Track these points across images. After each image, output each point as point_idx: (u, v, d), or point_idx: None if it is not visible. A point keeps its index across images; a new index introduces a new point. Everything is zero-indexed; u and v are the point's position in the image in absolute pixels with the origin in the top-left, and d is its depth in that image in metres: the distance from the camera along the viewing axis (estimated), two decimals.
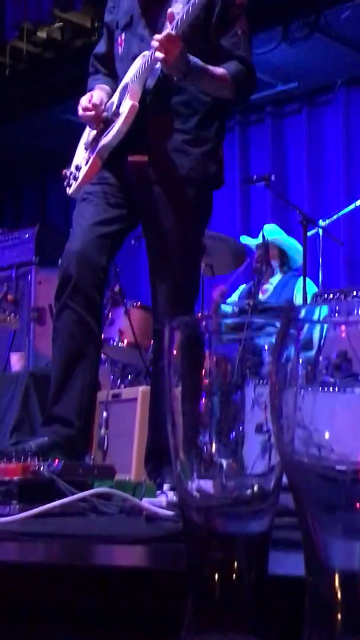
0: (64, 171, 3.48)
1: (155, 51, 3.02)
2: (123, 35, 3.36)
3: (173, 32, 3.00)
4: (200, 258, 3.39)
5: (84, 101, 3.33)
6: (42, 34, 7.67)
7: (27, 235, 6.80)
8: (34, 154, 9.06)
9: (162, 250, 3.20)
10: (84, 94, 3.46)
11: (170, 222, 3.17)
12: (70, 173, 3.43)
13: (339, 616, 0.61)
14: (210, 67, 3.14)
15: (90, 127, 3.39)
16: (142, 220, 3.32)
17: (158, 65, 3.11)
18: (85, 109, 3.31)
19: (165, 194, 3.18)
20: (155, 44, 3.00)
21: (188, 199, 3.19)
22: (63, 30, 7.64)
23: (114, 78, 3.41)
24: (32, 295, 6.48)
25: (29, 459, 2.34)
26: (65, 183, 3.46)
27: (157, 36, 3.01)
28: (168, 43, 2.99)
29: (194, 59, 3.07)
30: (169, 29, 3.01)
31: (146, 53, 3.15)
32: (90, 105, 3.30)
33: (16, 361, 5.87)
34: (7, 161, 9.22)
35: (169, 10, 3.08)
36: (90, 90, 3.44)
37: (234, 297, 6.39)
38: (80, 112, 3.34)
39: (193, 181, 3.20)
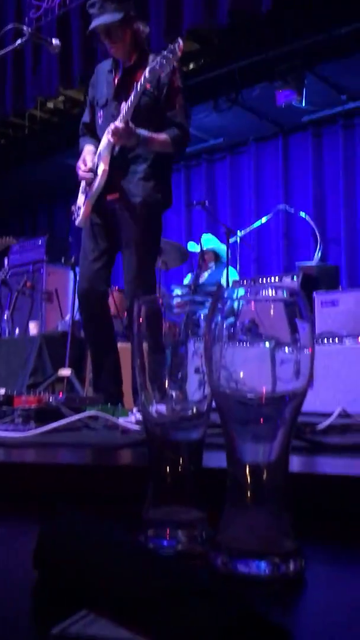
0: (72, 207, 3.47)
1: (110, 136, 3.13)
2: (101, 112, 3.38)
3: (120, 124, 3.08)
4: (156, 256, 3.43)
5: (82, 165, 3.33)
6: (50, 105, 7.58)
7: (39, 241, 6.72)
8: (44, 187, 8.99)
9: (130, 251, 3.19)
10: (79, 147, 3.44)
11: (133, 233, 3.18)
12: (75, 211, 3.43)
13: (249, 494, 0.62)
14: (155, 135, 3.16)
15: (85, 182, 3.37)
16: (117, 236, 3.31)
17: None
18: (84, 172, 3.31)
19: (129, 215, 3.20)
20: (109, 129, 3.11)
21: (144, 216, 3.19)
22: (65, 102, 7.55)
23: (96, 138, 3.40)
24: (43, 282, 6.42)
25: (41, 393, 2.32)
26: (72, 218, 3.46)
27: (111, 126, 3.11)
28: (116, 131, 3.09)
29: (142, 131, 3.12)
30: (117, 121, 3.11)
31: (109, 129, 3.17)
32: (87, 169, 3.30)
33: (33, 327, 5.83)
34: (25, 193, 9.17)
35: (122, 105, 3.15)
36: (82, 147, 3.45)
37: (185, 281, 6.38)
38: (80, 173, 3.34)
39: (147, 205, 3.19)
